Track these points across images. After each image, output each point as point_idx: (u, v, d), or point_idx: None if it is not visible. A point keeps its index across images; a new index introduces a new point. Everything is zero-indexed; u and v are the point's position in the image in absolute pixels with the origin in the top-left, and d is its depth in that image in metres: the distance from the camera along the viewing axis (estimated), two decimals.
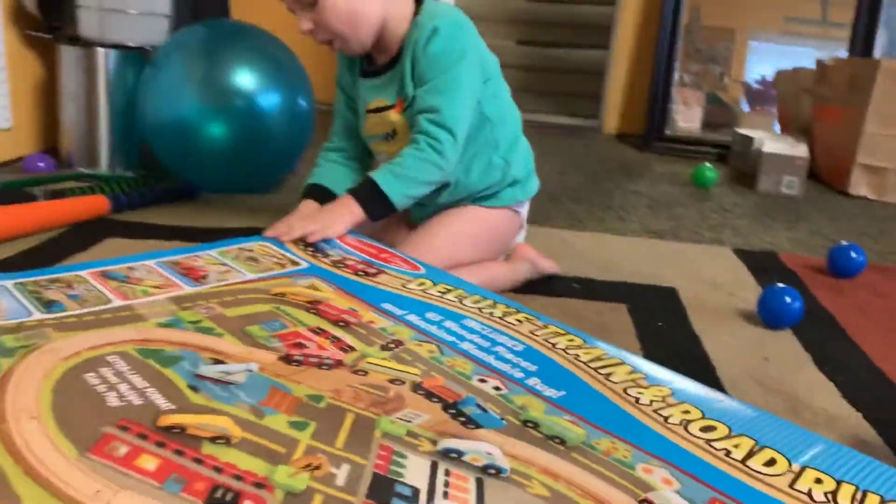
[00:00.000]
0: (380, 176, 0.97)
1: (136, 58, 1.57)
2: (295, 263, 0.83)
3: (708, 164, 2.02)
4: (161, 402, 0.50)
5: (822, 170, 2.18)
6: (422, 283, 0.79)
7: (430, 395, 0.56)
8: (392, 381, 0.57)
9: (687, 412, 0.56)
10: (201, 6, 1.94)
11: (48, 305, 0.64)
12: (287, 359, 0.59)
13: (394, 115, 1.04)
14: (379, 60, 1.07)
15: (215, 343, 0.60)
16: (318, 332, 0.64)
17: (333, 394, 0.54)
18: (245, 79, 1.45)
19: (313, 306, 0.70)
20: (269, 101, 1.48)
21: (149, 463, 0.44)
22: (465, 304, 0.74)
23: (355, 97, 1.11)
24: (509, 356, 0.63)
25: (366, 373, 0.58)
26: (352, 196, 0.97)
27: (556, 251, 1.24)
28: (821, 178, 2.19)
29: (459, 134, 0.99)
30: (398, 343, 0.63)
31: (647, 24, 2.82)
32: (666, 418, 0.55)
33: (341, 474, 0.44)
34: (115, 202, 1.29)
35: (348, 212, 0.96)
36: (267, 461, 0.45)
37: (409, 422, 0.51)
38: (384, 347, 0.62)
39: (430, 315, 0.70)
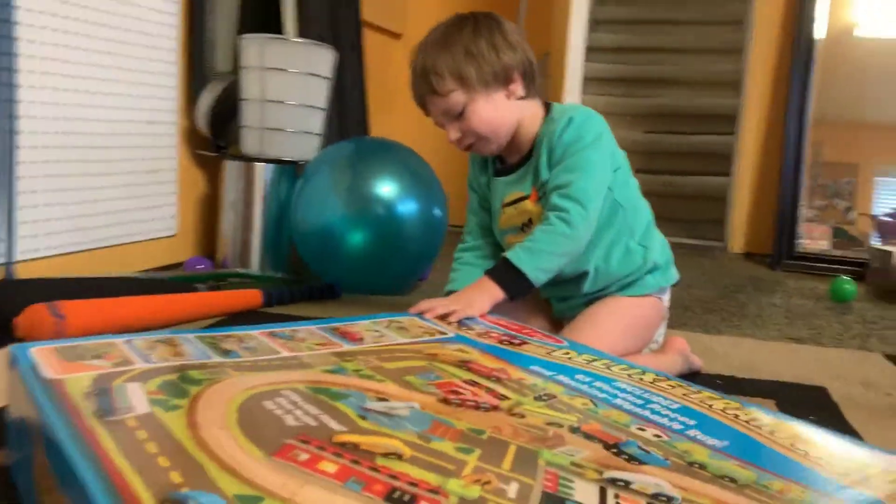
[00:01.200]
0: (512, 254, 1.02)
1: (289, 171, 1.73)
2: (442, 333, 0.86)
3: (846, 277, 1.94)
4: (334, 425, 0.53)
5: None
6: (567, 353, 0.80)
7: (589, 436, 0.56)
8: (549, 424, 0.58)
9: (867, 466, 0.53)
10: (347, 125, 2.11)
11: (225, 353, 0.70)
12: (446, 401, 0.61)
13: (529, 205, 1.09)
14: (511, 159, 1.15)
15: (378, 386, 0.63)
16: (472, 384, 0.66)
17: (494, 430, 0.55)
18: (385, 188, 1.56)
19: (464, 364, 0.72)
20: (407, 209, 1.57)
21: (329, 467, 0.46)
22: (613, 371, 0.74)
23: (489, 196, 1.18)
24: (665, 412, 0.63)
25: (523, 416, 0.59)
26: (489, 276, 1.02)
27: (695, 352, 1.21)
28: None
29: (590, 205, 1.02)
30: (551, 396, 0.64)
31: (768, 152, 2.81)
32: (841, 473, 0.52)
33: (511, 489, 0.45)
34: (267, 297, 1.39)
35: (487, 292, 0.99)
36: (438, 474, 0.46)
37: (572, 455, 0.52)
38: (538, 398, 0.63)
39: (579, 377, 0.71)
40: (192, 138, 1.82)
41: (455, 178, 2.06)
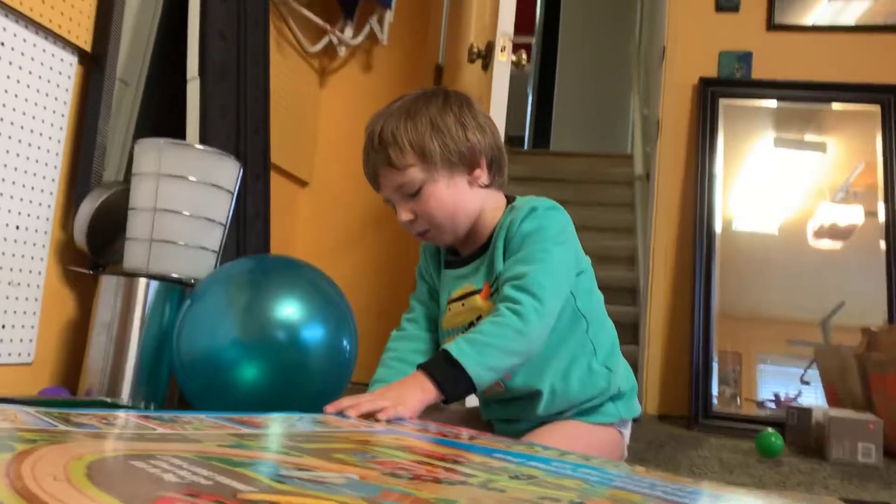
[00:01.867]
0: (453, 346, 0.86)
1: (176, 290, 1.53)
2: (369, 426, 0.68)
3: (772, 430, 1.86)
4: (238, 485, 0.35)
5: (893, 441, 2.01)
6: (531, 447, 0.64)
7: None
8: (543, 499, 0.41)
9: None
10: (247, 242, 1.95)
11: (78, 426, 0.50)
12: (393, 475, 0.43)
13: (479, 300, 0.96)
14: (464, 251, 1.02)
15: (295, 460, 0.45)
16: (423, 463, 0.49)
17: (470, 501, 0.38)
18: (288, 310, 1.39)
19: (408, 448, 0.55)
20: (312, 336, 1.40)
21: None
22: (593, 462, 0.59)
23: (438, 289, 1.05)
24: (675, 491, 0.48)
25: (503, 491, 0.42)
26: (423, 371, 0.85)
27: None
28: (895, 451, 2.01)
29: (546, 301, 0.89)
30: (531, 476, 0.48)
31: (675, 324, 2.83)
32: None
33: None
34: None
35: (419, 389, 0.83)
36: None
37: None
38: (514, 477, 0.47)
39: (556, 465, 0.55)
40: (66, 253, 1.60)
41: (365, 313, 1.92)
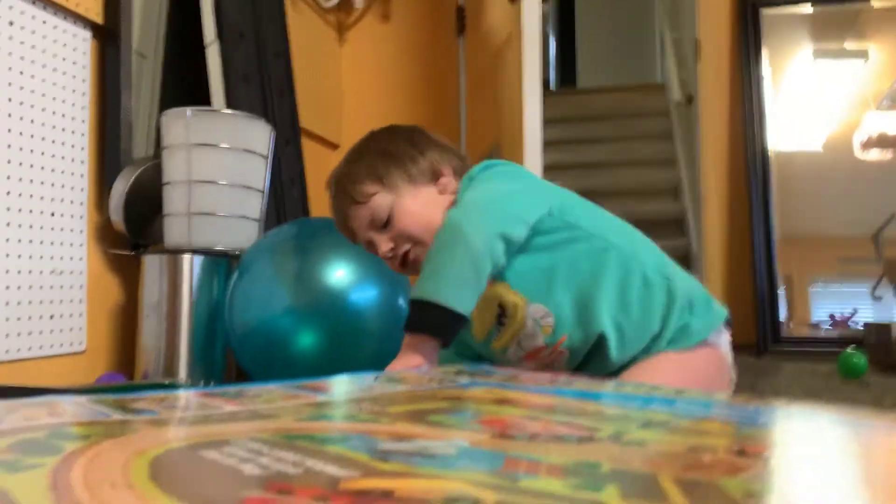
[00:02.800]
0: (414, 290, 0.82)
1: (222, 263, 1.48)
2: (452, 381, 0.62)
3: (852, 351, 1.77)
4: (334, 470, 0.28)
5: None
6: (639, 387, 0.57)
7: (768, 458, 0.33)
8: (692, 450, 0.34)
9: None
10: (286, 210, 1.90)
11: (135, 412, 0.44)
12: (505, 436, 0.37)
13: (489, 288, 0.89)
14: None
15: (388, 428, 0.39)
16: (533, 418, 0.42)
17: (612, 461, 0.31)
18: (338, 274, 1.33)
19: (507, 402, 0.48)
20: (365, 298, 1.35)
21: None
22: (716, 398, 0.51)
23: None
24: None
25: (641, 444, 0.35)
26: (407, 332, 0.80)
27: None
28: None
29: (471, 209, 0.86)
30: (663, 423, 0.41)
31: (732, 257, 2.72)
32: None
33: None
34: None
35: (413, 349, 0.78)
36: None
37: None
38: (645, 425, 0.40)
39: (682, 405, 0.47)
40: (106, 236, 1.56)
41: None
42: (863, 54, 2.70)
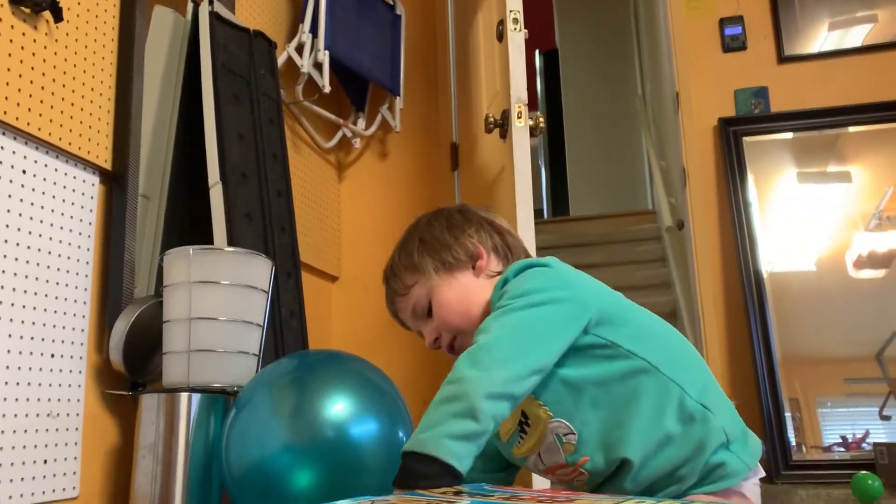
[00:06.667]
0: (408, 443, 0.79)
1: (220, 401, 1.46)
2: (451, 503, 0.60)
3: (867, 473, 1.72)
4: None
5: None
6: (641, 502, 0.55)
7: None
8: None
9: None
10: (286, 343, 1.89)
11: None
12: None
13: None
14: None
15: None
16: None
17: None
18: (338, 408, 1.31)
19: None
20: (366, 432, 1.32)
21: None
22: None
23: None
24: None
25: None
26: (395, 487, 0.77)
27: None
28: None
29: (483, 342, 0.82)
30: None
31: (735, 382, 2.70)
32: None
33: None
34: None
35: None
36: None
37: None
38: None
39: None
40: (104, 376, 1.55)
41: (414, 398, 1.82)
42: (846, 177, 2.79)
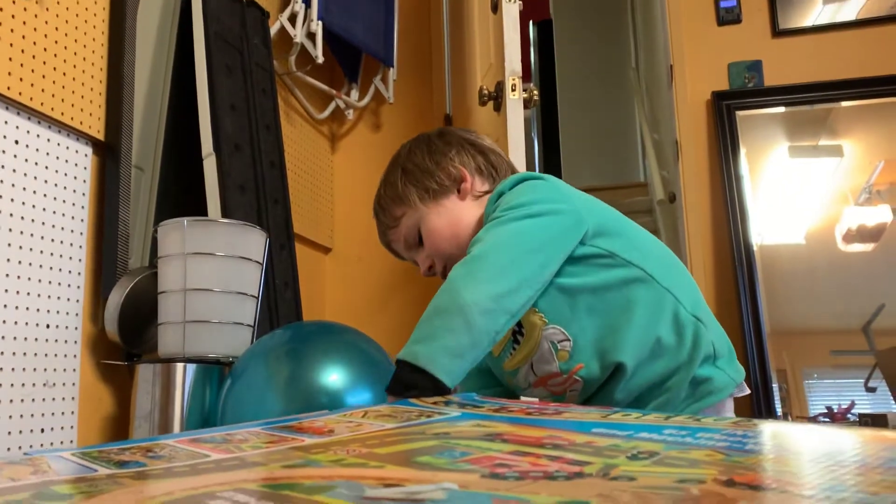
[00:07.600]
0: (402, 353, 0.77)
1: (215, 371, 1.47)
2: (441, 414, 0.61)
3: None
4: None
5: None
6: (627, 415, 0.55)
7: (756, 487, 0.33)
8: (682, 482, 0.34)
9: None
10: (280, 314, 1.90)
11: (121, 465, 0.44)
12: (496, 475, 0.37)
13: None
14: None
15: (377, 472, 0.39)
16: (522, 454, 0.42)
17: (602, 499, 0.31)
18: (332, 377, 1.32)
19: (496, 437, 0.48)
20: (359, 401, 1.33)
21: None
22: (704, 422, 0.51)
23: None
24: None
25: (633, 478, 0.35)
26: (389, 393, 0.76)
27: None
28: None
29: (484, 258, 0.79)
30: (651, 453, 0.41)
31: None
32: None
33: None
34: None
35: None
36: None
37: None
38: (633, 458, 0.40)
39: (669, 432, 0.47)
40: (99, 347, 1.56)
41: None
42: (837, 151, 2.80)
